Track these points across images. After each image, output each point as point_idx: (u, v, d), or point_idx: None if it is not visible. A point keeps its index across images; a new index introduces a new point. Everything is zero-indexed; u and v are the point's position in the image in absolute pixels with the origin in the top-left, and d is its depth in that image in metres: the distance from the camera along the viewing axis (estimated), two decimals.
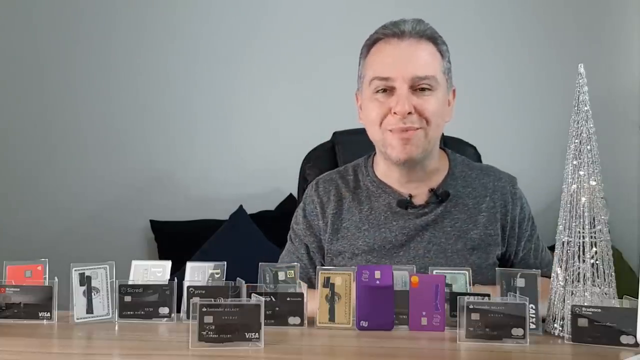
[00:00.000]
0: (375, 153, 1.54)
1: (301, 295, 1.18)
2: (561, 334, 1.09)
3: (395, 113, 1.37)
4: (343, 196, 1.51)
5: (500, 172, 1.55)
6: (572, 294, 1.09)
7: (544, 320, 1.14)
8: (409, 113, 1.36)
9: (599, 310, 1.04)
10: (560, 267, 1.11)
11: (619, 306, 1.06)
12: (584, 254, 1.09)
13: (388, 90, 1.39)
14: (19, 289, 1.22)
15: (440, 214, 1.45)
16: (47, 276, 1.25)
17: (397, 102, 1.36)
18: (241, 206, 2.85)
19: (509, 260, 1.50)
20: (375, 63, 1.41)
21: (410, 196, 1.46)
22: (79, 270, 1.21)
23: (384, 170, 1.49)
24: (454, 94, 1.48)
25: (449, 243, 1.43)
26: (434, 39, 1.41)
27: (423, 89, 1.38)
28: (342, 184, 1.53)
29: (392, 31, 1.40)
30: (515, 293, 1.12)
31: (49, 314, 1.21)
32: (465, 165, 1.53)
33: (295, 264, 1.26)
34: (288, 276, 1.23)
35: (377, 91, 1.40)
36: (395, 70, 1.37)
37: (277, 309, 1.17)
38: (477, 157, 1.80)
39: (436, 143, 1.45)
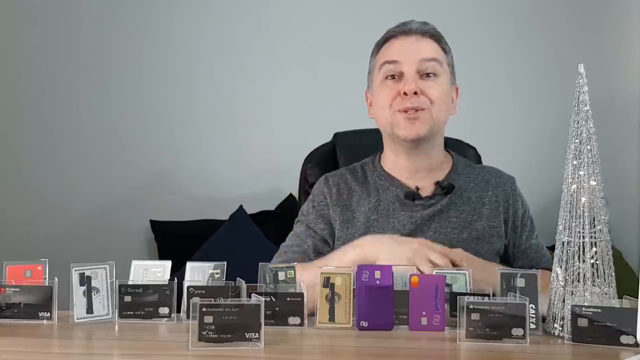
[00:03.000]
0: (381, 152, 1.60)
1: (301, 295, 1.18)
2: (561, 334, 1.09)
3: (404, 93, 1.45)
4: (352, 189, 1.56)
5: (500, 171, 1.61)
6: (572, 294, 1.09)
7: (544, 320, 1.14)
8: (415, 93, 1.45)
9: (599, 310, 1.04)
10: (560, 267, 1.11)
11: (619, 306, 1.07)
12: (584, 254, 1.09)
13: (397, 77, 1.49)
14: (19, 289, 1.22)
15: (446, 205, 1.50)
16: (47, 276, 1.25)
17: (404, 83, 1.46)
18: (241, 206, 2.85)
19: (511, 253, 1.53)
20: (385, 53, 1.52)
21: (417, 188, 1.52)
22: (79, 270, 1.21)
23: (392, 162, 1.56)
24: (457, 92, 1.56)
25: (454, 233, 1.48)
26: (437, 37, 1.52)
27: (428, 75, 1.48)
28: (352, 178, 1.59)
29: (400, 29, 1.52)
30: (515, 293, 1.12)
31: (49, 314, 1.21)
32: (468, 165, 1.61)
33: (296, 264, 1.27)
34: (288, 276, 1.23)
35: (387, 77, 1.50)
36: (403, 55, 1.48)
37: (277, 309, 1.17)
38: (478, 158, 1.80)
39: (441, 128, 1.53)
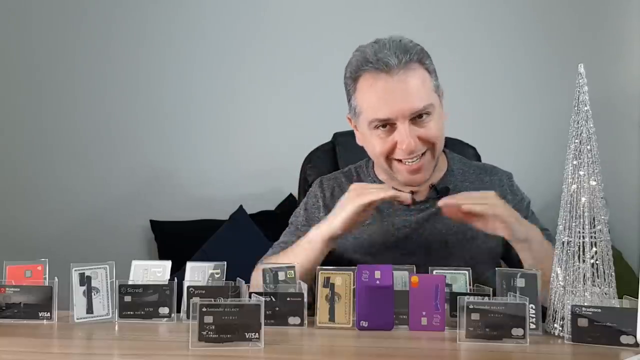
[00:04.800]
0: None
1: (301, 295, 1.18)
2: (561, 334, 1.09)
3: (402, 149, 1.38)
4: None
5: (496, 168, 1.61)
6: (572, 294, 1.09)
7: (544, 320, 1.14)
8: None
9: (599, 310, 1.05)
10: (560, 267, 1.11)
11: (619, 306, 1.07)
12: (584, 254, 1.09)
13: (389, 126, 1.40)
14: (19, 289, 1.22)
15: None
16: (47, 276, 1.25)
17: (402, 140, 1.37)
18: (241, 206, 2.85)
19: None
20: (369, 101, 1.40)
21: (412, 192, 1.49)
22: (79, 270, 1.21)
23: (386, 177, 1.54)
24: (442, 95, 1.48)
25: (449, 234, 1.48)
26: (421, 59, 1.40)
27: (421, 116, 1.39)
28: (347, 182, 1.56)
29: (376, 67, 1.37)
30: (515, 293, 1.12)
31: (49, 314, 1.21)
32: (463, 163, 1.60)
33: (296, 264, 1.27)
34: (288, 276, 1.23)
35: (377, 127, 1.41)
36: (394, 109, 1.36)
37: (277, 309, 1.17)
38: (477, 158, 1.80)
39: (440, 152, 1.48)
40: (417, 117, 1.38)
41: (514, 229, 1.29)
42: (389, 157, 1.43)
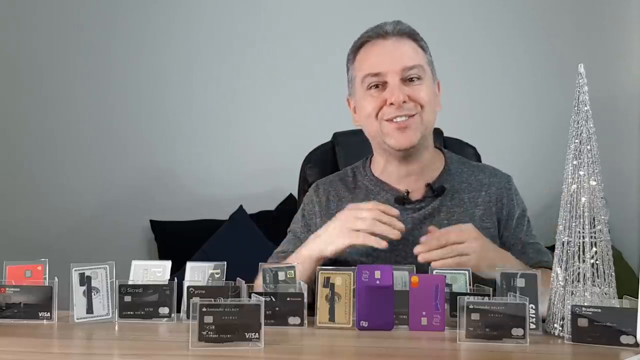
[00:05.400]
0: (372, 155, 1.58)
1: (301, 295, 1.18)
2: (561, 334, 1.09)
3: (391, 104, 1.43)
4: (342, 196, 1.55)
5: (496, 170, 1.60)
6: (572, 294, 1.09)
7: (544, 320, 1.14)
8: (404, 102, 1.43)
9: (599, 310, 1.04)
10: (560, 267, 1.11)
11: (619, 306, 1.07)
12: (584, 254, 1.09)
13: (380, 86, 1.46)
14: (19, 289, 1.22)
15: (437, 207, 1.49)
16: (47, 276, 1.25)
17: (391, 93, 1.43)
18: (241, 206, 2.85)
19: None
20: (364, 63, 1.49)
21: (408, 192, 1.50)
22: (79, 270, 1.21)
23: (382, 167, 1.54)
24: (439, 86, 1.54)
25: None
26: (414, 36, 1.49)
27: (412, 79, 1.45)
28: (342, 185, 1.58)
29: (375, 33, 1.49)
30: (515, 293, 1.12)
31: (49, 314, 1.21)
32: (461, 163, 1.59)
33: (296, 264, 1.27)
34: (288, 276, 1.23)
35: (370, 87, 1.47)
36: (385, 65, 1.44)
37: (277, 309, 1.17)
38: (477, 158, 1.80)
39: (431, 130, 1.51)
40: (408, 80, 1.44)
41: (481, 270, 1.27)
42: (379, 117, 1.46)
